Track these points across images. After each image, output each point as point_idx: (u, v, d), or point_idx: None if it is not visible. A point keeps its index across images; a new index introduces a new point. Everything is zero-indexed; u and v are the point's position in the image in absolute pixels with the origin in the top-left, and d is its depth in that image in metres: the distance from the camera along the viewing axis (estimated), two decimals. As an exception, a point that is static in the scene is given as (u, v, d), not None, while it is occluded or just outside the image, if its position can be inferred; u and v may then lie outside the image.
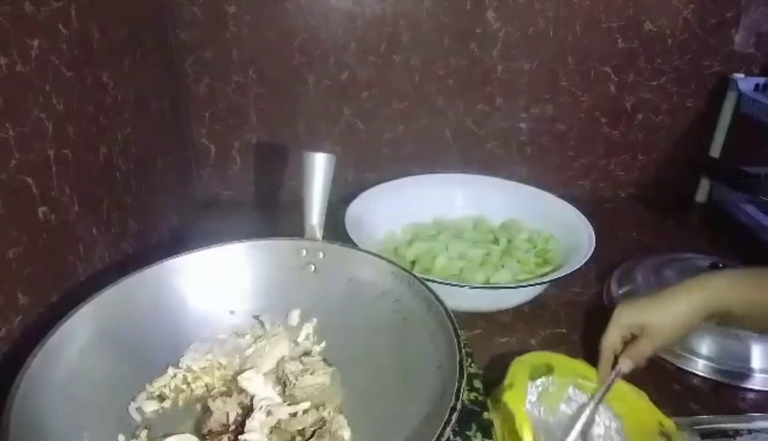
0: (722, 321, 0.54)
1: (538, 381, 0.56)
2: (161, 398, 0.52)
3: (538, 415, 0.55)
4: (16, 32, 0.46)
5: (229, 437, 0.47)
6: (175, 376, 0.54)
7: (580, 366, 0.57)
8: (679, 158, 1.08)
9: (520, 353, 0.58)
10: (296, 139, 0.99)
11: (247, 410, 0.50)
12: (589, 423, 0.53)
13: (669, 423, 0.51)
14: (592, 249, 0.71)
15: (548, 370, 0.57)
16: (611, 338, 0.56)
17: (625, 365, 0.54)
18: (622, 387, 0.54)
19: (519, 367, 0.56)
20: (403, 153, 1.02)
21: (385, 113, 0.99)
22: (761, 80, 0.95)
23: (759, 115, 0.91)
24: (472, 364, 0.60)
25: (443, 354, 0.48)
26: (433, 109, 0.99)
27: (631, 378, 0.55)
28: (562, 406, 0.55)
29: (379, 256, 0.60)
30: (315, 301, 0.61)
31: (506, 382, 0.54)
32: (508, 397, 0.52)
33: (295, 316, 0.61)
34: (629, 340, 0.55)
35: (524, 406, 0.52)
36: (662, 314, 0.53)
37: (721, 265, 0.70)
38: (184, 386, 0.53)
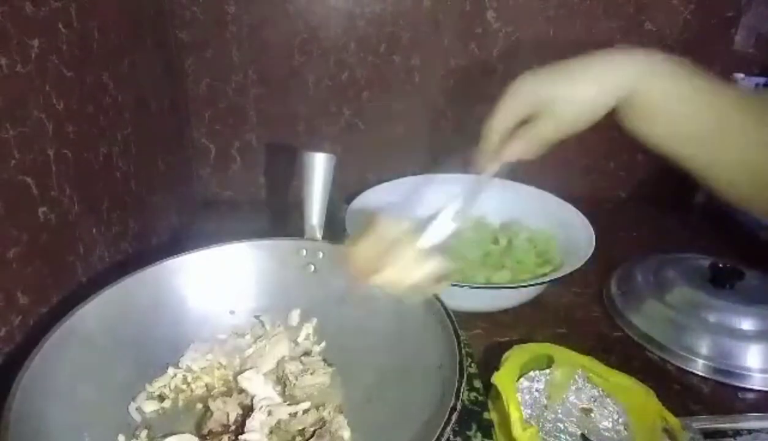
0: (629, 116, 0.45)
1: (547, 370, 0.56)
2: (161, 398, 0.52)
3: (543, 403, 0.55)
4: (16, 32, 0.46)
5: (229, 437, 0.47)
6: (175, 376, 0.54)
7: (585, 360, 0.56)
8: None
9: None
10: (296, 139, 0.98)
11: (248, 410, 0.50)
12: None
13: (673, 420, 0.51)
14: (592, 249, 0.71)
15: (549, 361, 0.57)
16: (504, 115, 0.46)
17: (516, 149, 0.45)
18: (628, 382, 0.54)
19: (517, 352, 0.56)
20: (403, 153, 1.02)
21: (385, 113, 0.99)
22: (761, 80, 0.95)
23: (759, 115, 0.91)
24: (472, 364, 0.60)
25: (443, 354, 0.48)
26: (433, 109, 0.99)
27: (633, 377, 0.55)
28: (571, 397, 0.55)
29: (379, 256, 0.60)
30: (315, 301, 0.61)
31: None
32: (497, 377, 0.51)
33: (295, 316, 0.61)
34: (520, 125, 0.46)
35: (514, 384, 0.51)
36: (572, 87, 0.45)
37: (721, 265, 0.70)
38: (184, 386, 0.53)
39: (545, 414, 0.54)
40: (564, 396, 0.55)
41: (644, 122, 0.45)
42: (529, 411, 0.54)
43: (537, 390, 0.55)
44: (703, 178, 0.46)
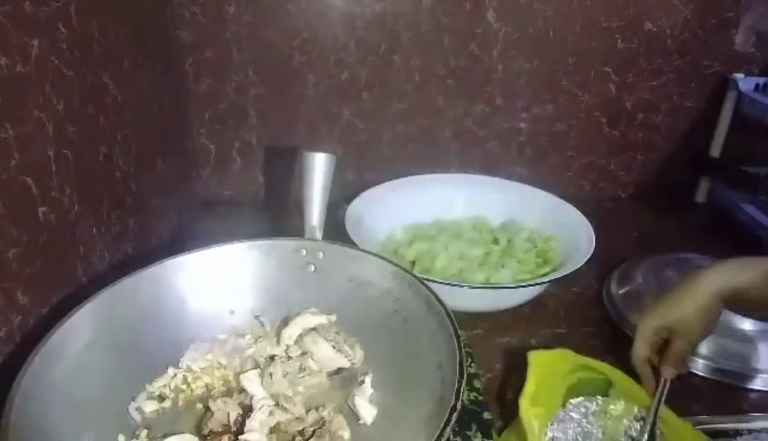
0: (737, 305, 0.54)
1: (601, 406, 0.53)
2: (161, 398, 0.52)
3: (581, 430, 0.51)
4: (16, 32, 0.46)
5: (229, 437, 0.47)
6: (175, 376, 0.54)
7: (637, 389, 0.54)
8: (679, 158, 1.08)
9: (521, 353, 0.54)
10: (296, 139, 0.98)
11: (248, 410, 0.50)
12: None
13: None
14: (592, 249, 0.71)
15: (603, 387, 0.54)
16: (641, 350, 0.55)
17: (668, 372, 0.54)
18: (685, 428, 0.51)
19: (558, 377, 0.51)
20: (403, 153, 1.02)
21: (385, 113, 0.99)
22: (761, 80, 0.95)
23: (759, 115, 0.91)
24: (472, 364, 0.60)
25: (443, 354, 0.48)
26: (433, 109, 0.99)
27: (630, 373, 0.55)
28: (623, 429, 0.52)
29: (379, 256, 0.60)
30: (315, 301, 0.61)
31: (532, 387, 0.49)
32: (526, 413, 0.47)
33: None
34: (661, 349, 0.55)
35: (543, 431, 0.47)
36: (684, 310, 0.53)
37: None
38: (184, 386, 0.53)
39: None
40: (618, 427, 0.51)
41: (749, 306, 0.54)
42: None
43: (588, 421, 0.52)
44: None
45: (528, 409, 0.47)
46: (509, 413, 0.56)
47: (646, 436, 0.50)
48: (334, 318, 0.59)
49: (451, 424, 0.40)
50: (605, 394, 0.54)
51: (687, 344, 0.54)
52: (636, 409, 0.52)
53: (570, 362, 0.54)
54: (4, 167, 0.45)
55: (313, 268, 0.62)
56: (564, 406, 0.52)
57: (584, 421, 0.52)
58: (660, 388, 0.53)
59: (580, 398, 0.53)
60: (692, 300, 0.53)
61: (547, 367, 0.52)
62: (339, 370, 0.55)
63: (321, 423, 0.49)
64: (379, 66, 0.94)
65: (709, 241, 0.95)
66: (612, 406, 0.53)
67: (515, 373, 0.61)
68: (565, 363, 0.53)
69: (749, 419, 0.56)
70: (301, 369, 0.54)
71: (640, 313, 0.58)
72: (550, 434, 0.50)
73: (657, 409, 0.51)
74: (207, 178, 1.01)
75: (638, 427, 0.51)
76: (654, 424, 0.50)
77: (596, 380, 0.54)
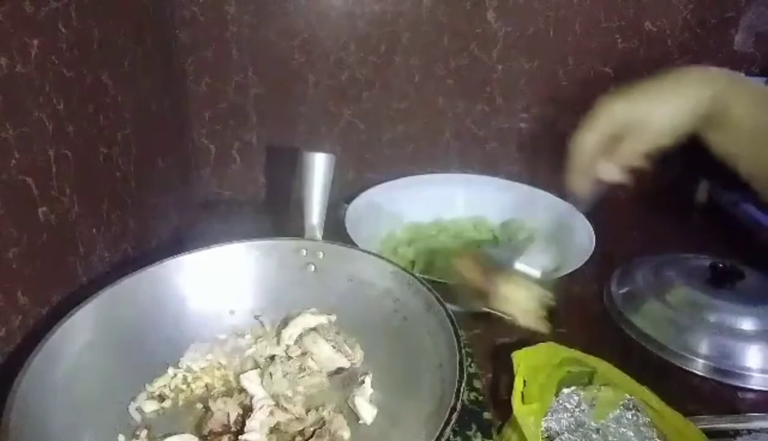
0: (714, 139, 0.46)
1: (592, 392, 0.53)
2: (161, 398, 0.52)
3: (573, 420, 0.52)
4: (16, 32, 0.46)
5: (229, 437, 0.47)
6: (175, 376, 0.54)
7: (635, 386, 0.53)
8: (679, 158, 1.07)
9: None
10: (296, 139, 0.98)
11: (248, 410, 0.50)
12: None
13: None
14: (592, 249, 0.71)
15: (589, 375, 0.55)
16: (593, 134, 0.47)
17: (609, 171, 0.46)
18: (682, 423, 0.50)
19: (547, 372, 0.52)
20: (403, 153, 1.02)
21: (385, 113, 0.99)
22: (761, 80, 0.95)
23: (759, 115, 0.91)
24: (472, 364, 0.60)
25: (443, 354, 0.48)
26: (433, 109, 0.99)
27: (630, 373, 0.55)
28: (615, 417, 0.51)
29: (379, 256, 0.60)
30: (315, 301, 0.61)
31: (521, 386, 0.50)
32: (520, 411, 0.48)
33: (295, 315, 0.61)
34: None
35: (539, 425, 0.49)
36: (662, 106, 0.45)
37: (721, 265, 0.70)
38: (184, 386, 0.53)
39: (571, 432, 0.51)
40: (605, 414, 0.51)
41: (726, 137, 0.46)
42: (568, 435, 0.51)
43: (581, 410, 0.52)
44: None
45: (520, 407, 0.48)
46: (509, 412, 0.56)
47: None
48: (334, 318, 0.59)
49: (451, 424, 0.40)
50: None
51: (639, 146, 0.46)
52: (627, 397, 0.53)
53: (557, 355, 0.55)
54: (4, 167, 0.45)
55: (313, 268, 0.62)
56: (557, 395, 0.53)
57: (577, 410, 0.52)
58: (586, 187, 0.47)
59: (573, 388, 0.54)
60: (661, 99, 0.45)
61: (534, 363, 0.53)
62: (339, 370, 0.55)
63: (321, 423, 0.49)
64: (379, 66, 0.94)
65: (709, 241, 0.95)
66: (599, 394, 0.53)
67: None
68: (552, 356, 0.54)
69: (749, 419, 0.56)
70: (301, 369, 0.54)
71: (604, 99, 0.49)
72: (544, 425, 0.51)
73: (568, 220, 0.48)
74: (207, 178, 1.01)
75: (629, 415, 0.51)
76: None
77: (586, 373, 0.55)
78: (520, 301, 0.53)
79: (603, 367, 0.55)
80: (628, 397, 0.52)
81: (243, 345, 0.58)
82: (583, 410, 0.52)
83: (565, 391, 0.53)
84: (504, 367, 0.63)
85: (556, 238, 0.68)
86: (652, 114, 0.45)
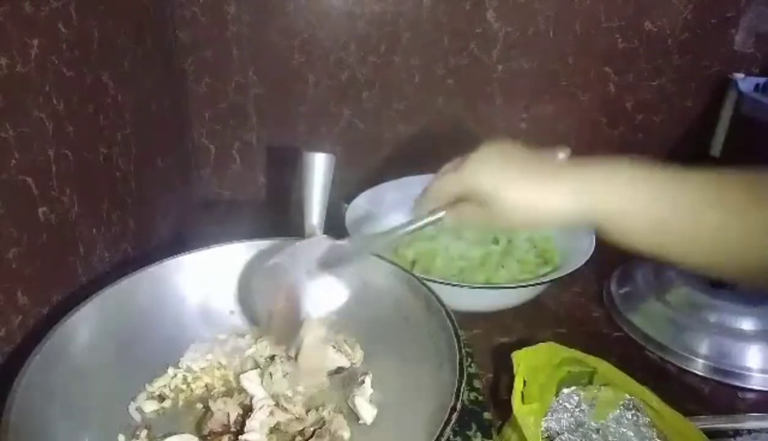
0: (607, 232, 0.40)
1: (592, 392, 0.53)
2: (161, 398, 0.52)
3: (573, 420, 0.52)
4: (16, 32, 0.46)
5: (229, 437, 0.47)
6: (175, 376, 0.54)
7: (634, 386, 0.53)
8: (679, 158, 1.07)
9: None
10: (296, 139, 0.98)
11: (248, 410, 0.50)
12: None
13: None
14: (592, 249, 0.71)
15: (589, 376, 0.55)
16: (446, 189, 0.46)
17: (449, 218, 0.45)
18: (683, 424, 0.50)
19: (547, 372, 0.52)
20: (403, 153, 1.02)
21: (385, 113, 0.99)
22: (761, 80, 0.95)
23: (759, 115, 0.91)
24: (472, 364, 0.60)
25: (443, 354, 0.48)
26: (433, 109, 0.99)
27: (633, 377, 0.55)
28: (615, 417, 0.51)
29: (379, 256, 0.60)
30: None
31: (521, 386, 0.50)
32: (519, 411, 0.48)
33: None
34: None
35: (539, 425, 0.49)
36: (526, 203, 0.41)
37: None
38: (184, 386, 0.53)
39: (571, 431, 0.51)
40: (606, 414, 0.51)
41: (620, 236, 0.41)
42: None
43: (581, 410, 0.52)
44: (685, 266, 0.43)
45: (520, 407, 0.48)
46: (509, 412, 0.56)
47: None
48: (334, 318, 0.59)
49: (451, 424, 0.40)
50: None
51: (485, 222, 0.43)
52: (627, 397, 0.53)
53: (557, 355, 0.55)
54: (4, 167, 0.45)
55: (313, 268, 0.62)
56: (557, 395, 0.53)
57: (577, 410, 0.52)
58: (426, 220, 0.47)
59: (573, 388, 0.54)
60: (542, 202, 0.41)
61: (534, 364, 0.53)
62: (339, 370, 0.55)
63: (321, 423, 0.49)
64: (379, 66, 0.94)
65: (709, 241, 0.95)
66: (599, 394, 0.53)
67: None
68: (552, 356, 0.55)
69: (749, 419, 0.56)
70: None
71: (483, 149, 0.46)
72: (544, 425, 0.51)
73: (408, 232, 0.48)
74: (207, 178, 1.01)
75: (629, 415, 0.51)
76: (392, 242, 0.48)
77: (586, 373, 0.55)
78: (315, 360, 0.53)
79: (603, 367, 0.55)
80: (628, 397, 0.52)
81: (243, 345, 0.58)
82: (583, 410, 0.52)
83: (565, 391, 0.53)
84: (504, 367, 0.63)
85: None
86: (512, 208, 0.42)
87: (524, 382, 0.51)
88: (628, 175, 0.40)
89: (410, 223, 0.48)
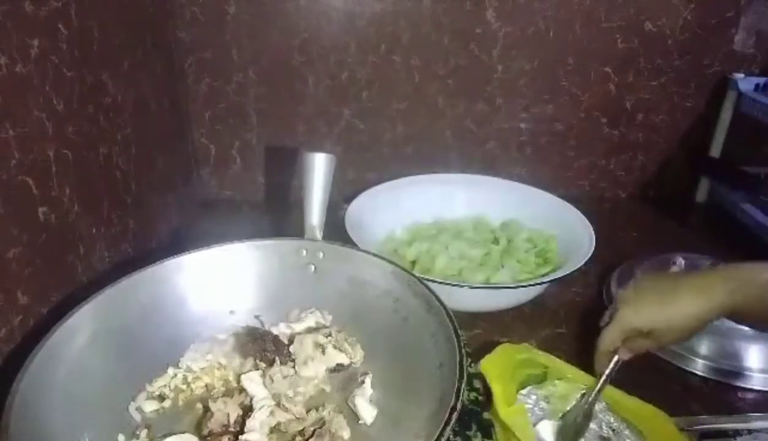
0: (737, 319, 0.53)
1: (547, 389, 0.56)
2: (161, 398, 0.52)
3: (533, 418, 0.54)
4: (16, 32, 0.46)
5: (229, 438, 0.47)
6: (175, 376, 0.54)
7: (585, 378, 0.56)
8: (679, 158, 1.08)
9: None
10: (296, 139, 0.99)
11: (248, 411, 0.50)
12: (588, 417, 0.52)
13: None
14: (592, 249, 0.71)
15: (543, 374, 0.57)
16: (611, 340, 0.53)
17: (624, 354, 0.52)
18: (644, 408, 0.53)
19: (509, 373, 0.55)
20: (403, 153, 1.02)
21: (385, 113, 0.99)
22: (761, 80, 0.95)
23: (759, 115, 0.91)
24: (472, 364, 0.60)
25: (443, 354, 0.48)
26: (433, 109, 0.99)
27: (633, 378, 0.55)
28: (591, 425, 0.53)
29: (379, 256, 0.60)
30: (315, 301, 0.61)
31: (500, 391, 0.52)
32: (507, 415, 0.50)
33: (294, 317, 0.61)
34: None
35: (528, 421, 0.51)
36: (669, 320, 0.51)
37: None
38: (184, 386, 0.53)
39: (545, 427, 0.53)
40: (567, 409, 0.54)
41: (750, 319, 0.53)
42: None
43: (540, 408, 0.54)
44: None
45: (506, 410, 0.50)
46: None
47: (581, 415, 0.52)
48: (332, 318, 0.59)
49: (451, 424, 0.40)
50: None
51: (655, 346, 0.53)
52: (582, 388, 0.55)
53: (513, 356, 0.57)
54: (4, 167, 0.45)
55: (313, 268, 0.62)
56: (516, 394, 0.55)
57: (536, 408, 0.55)
58: (610, 367, 0.53)
59: (529, 387, 0.56)
60: (681, 313, 0.50)
61: (500, 368, 0.55)
62: (339, 368, 0.55)
63: (321, 423, 0.49)
64: (379, 66, 0.94)
65: (709, 241, 0.95)
66: (554, 389, 0.56)
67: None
68: (510, 357, 0.57)
69: (749, 419, 0.56)
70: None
71: (622, 292, 0.55)
72: None
73: (602, 387, 0.53)
74: (207, 178, 1.01)
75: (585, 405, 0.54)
76: (594, 402, 0.52)
77: (540, 375, 0.58)
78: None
79: (556, 364, 0.58)
80: (583, 387, 0.55)
81: (243, 345, 0.58)
82: (542, 407, 0.54)
83: (523, 391, 0.56)
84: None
85: None
86: (674, 321, 0.50)
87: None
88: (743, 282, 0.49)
89: (599, 380, 0.53)
